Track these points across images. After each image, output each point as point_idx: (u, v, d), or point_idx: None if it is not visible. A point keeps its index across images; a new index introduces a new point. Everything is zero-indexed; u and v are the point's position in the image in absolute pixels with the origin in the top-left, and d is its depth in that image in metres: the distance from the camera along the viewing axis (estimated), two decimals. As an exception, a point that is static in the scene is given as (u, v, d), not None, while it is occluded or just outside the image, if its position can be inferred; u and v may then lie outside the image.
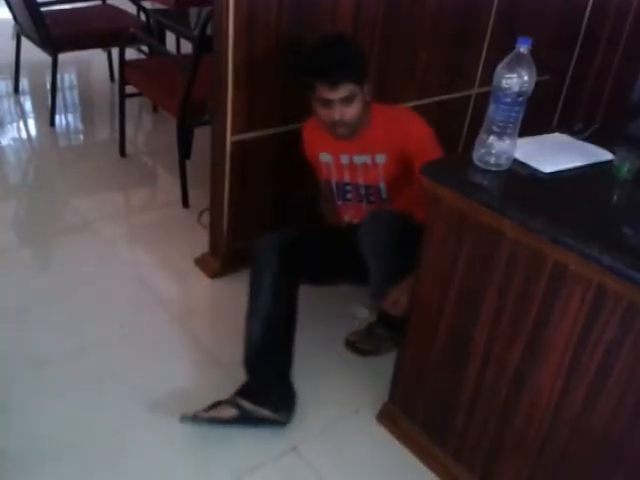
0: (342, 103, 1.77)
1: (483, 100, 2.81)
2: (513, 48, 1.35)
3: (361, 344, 2.06)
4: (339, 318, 2.19)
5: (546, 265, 1.27)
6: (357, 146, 1.94)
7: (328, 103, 1.78)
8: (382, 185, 1.98)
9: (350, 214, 2.07)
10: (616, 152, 1.48)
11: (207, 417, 1.67)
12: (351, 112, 1.80)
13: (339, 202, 2.08)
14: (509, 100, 1.35)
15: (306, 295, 1.89)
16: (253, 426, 1.71)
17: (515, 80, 1.33)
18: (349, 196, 2.04)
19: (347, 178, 2.02)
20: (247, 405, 1.68)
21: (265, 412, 1.69)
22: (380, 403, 1.82)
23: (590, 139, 1.62)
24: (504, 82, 1.34)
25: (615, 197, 1.40)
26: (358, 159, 1.97)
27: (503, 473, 1.51)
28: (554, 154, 1.50)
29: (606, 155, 1.52)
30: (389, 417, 1.79)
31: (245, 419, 1.68)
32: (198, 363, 1.98)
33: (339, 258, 2.00)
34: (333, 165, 2.02)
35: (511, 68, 1.33)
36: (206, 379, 1.92)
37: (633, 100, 1.42)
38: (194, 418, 1.66)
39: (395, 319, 2.03)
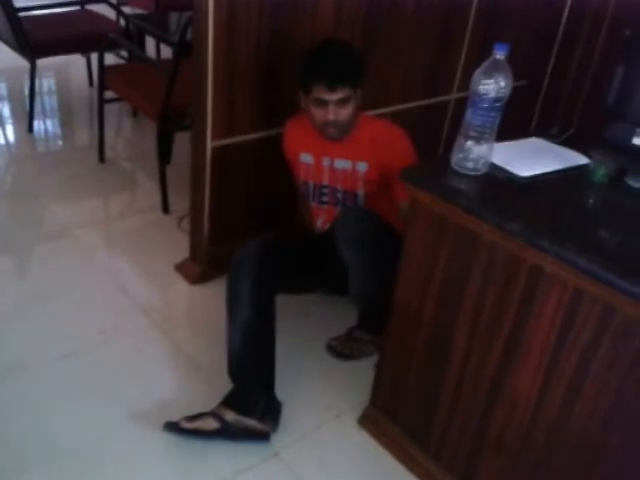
0: (337, 105, 1.81)
1: (462, 105, 2.84)
2: (491, 53, 1.37)
3: (342, 348, 2.07)
4: (319, 323, 2.19)
5: (523, 268, 1.29)
6: (341, 150, 1.96)
7: (323, 104, 1.82)
8: (360, 192, 2.00)
9: (323, 217, 2.09)
10: (591, 156, 1.50)
11: (190, 428, 1.66)
12: (345, 114, 1.84)
13: (313, 204, 2.09)
14: (486, 105, 1.37)
15: (285, 301, 1.89)
16: (236, 439, 1.70)
17: (492, 86, 1.35)
18: (325, 199, 2.06)
19: (326, 181, 2.03)
20: (231, 416, 1.68)
21: (251, 422, 1.69)
22: (362, 407, 1.83)
23: (566, 143, 1.65)
24: (481, 87, 1.36)
25: (591, 200, 1.42)
26: (339, 163, 1.99)
27: (483, 475, 1.52)
28: (531, 158, 1.52)
29: (582, 159, 1.54)
30: (371, 421, 1.79)
31: (228, 432, 1.67)
32: (180, 370, 1.97)
33: (317, 266, 2.02)
34: (313, 166, 2.03)
35: (488, 74, 1.35)
36: (188, 386, 1.91)
37: (608, 104, 1.44)
38: (177, 428, 1.66)
39: (374, 323, 2.06)
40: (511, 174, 1.45)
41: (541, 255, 1.23)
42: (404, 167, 1.89)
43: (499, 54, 1.35)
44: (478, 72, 1.37)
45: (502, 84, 1.35)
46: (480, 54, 2.74)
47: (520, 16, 2.82)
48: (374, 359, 1.89)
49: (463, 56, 2.72)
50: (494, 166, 1.45)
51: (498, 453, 1.46)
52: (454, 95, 2.81)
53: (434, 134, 2.87)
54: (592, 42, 2.92)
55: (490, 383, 1.43)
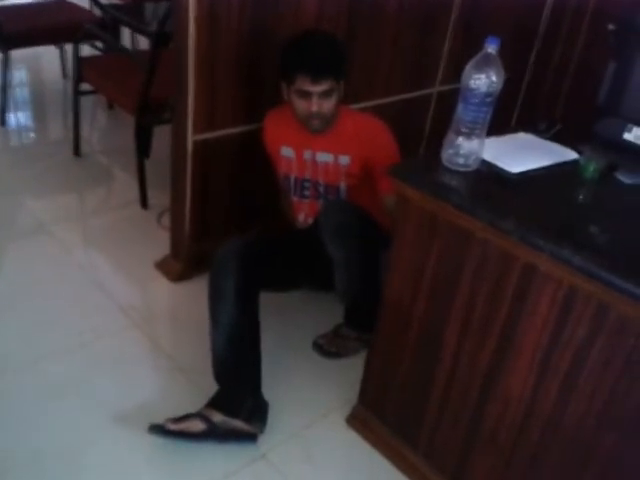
0: (321, 96, 1.79)
1: (445, 98, 2.84)
2: (473, 46, 1.35)
3: (329, 346, 2.04)
4: (305, 320, 2.16)
5: (516, 265, 1.28)
6: (322, 143, 1.93)
7: (307, 95, 1.79)
8: (342, 186, 1.98)
9: (305, 211, 2.06)
10: (582, 151, 1.49)
11: (176, 430, 1.62)
12: (328, 106, 1.82)
13: (295, 198, 2.07)
14: (477, 100, 1.35)
15: (270, 298, 1.85)
16: (223, 441, 1.66)
17: (483, 80, 1.33)
18: (307, 193, 2.03)
19: (307, 175, 2.00)
20: (218, 418, 1.64)
21: (238, 423, 1.65)
22: (350, 405, 1.80)
23: (554, 138, 1.63)
24: (472, 82, 1.34)
25: (582, 197, 1.41)
26: (321, 157, 1.96)
27: (474, 473, 1.51)
28: (521, 154, 1.51)
29: (571, 154, 1.53)
30: (359, 419, 1.77)
31: (215, 433, 1.64)
32: (162, 370, 1.93)
33: (302, 262, 1.99)
34: (294, 160, 2.00)
35: (479, 68, 1.33)
36: (171, 387, 1.87)
37: (599, 99, 1.43)
38: (163, 430, 1.62)
39: (361, 319, 2.04)
40: (502, 170, 1.43)
41: (535, 253, 1.22)
42: (386, 160, 1.90)
43: (490, 48, 1.32)
44: (469, 66, 1.35)
45: (493, 78, 1.33)
46: (463, 47, 2.75)
47: (502, 9, 2.80)
48: (363, 356, 1.87)
49: (446, 49, 2.70)
50: (484, 162, 1.43)
51: (490, 451, 1.45)
52: (437, 88, 2.79)
53: (417, 128, 2.85)
54: (574, 35, 2.92)
55: (482, 380, 1.41)
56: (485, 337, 1.37)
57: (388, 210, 1.95)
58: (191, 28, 1.88)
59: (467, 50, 2.73)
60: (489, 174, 1.42)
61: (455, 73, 2.77)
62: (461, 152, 1.40)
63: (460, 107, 1.37)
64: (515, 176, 1.42)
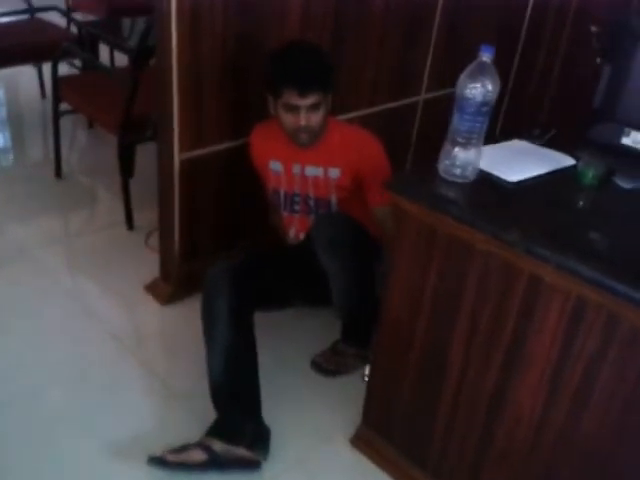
0: (309, 110, 1.75)
1: (431, 106, 2.82)
2: (457, 53, 1.32)
3: (327, 364, 2.00)
4: (301, 338, 2.11)
5: (521, 278, 1.24)
6: (311, 157, 1.90)
7: (295, 109, 1.76)
8: (333, 199, 1.94)
9: (296, 226, 2.02)
10: (579, 157, 1.47)
11: (176, 461, 1.57)
12: (316, 119, 1.78)
13: (285, 213, 2.03)
14: (473, 110, 1.32)
15: (264, 316, 1.80)
16: (226, 470, 1.60)
17: (478, 89, 1.30)
18: (297, 207, 1.99)
19: (297, 189, 1.96)
20: (219, 446, 1.59)
21: (240, 451, 1.60)
22: (353, 425, 1.76)
23: (549, 144, 1.61)
24: (467, 92, 1.31)
25: (585, 204, 1.38)
26: (310, 171, 1.92)
27: (486, 490, 1.47)
28: (517, 162, 1.48)
29: (568, 160, 1.51)
30: (364, 440, 1.72)
31: (217, 463, 1.58)
32: (157, 397, 1.87)
33: (296, 279, 1.95)
34: (283, 174, 1.96)
35: (474, 77, 1.30)
36: (167, 415, 1.81)
37: (595, 104, 1.41)
38: (162, 461, 1.56)
39: (358, 335, 2.00)
40: (500, 179, 1.40)
41: (540, 264, 1.19)
42: (376, 172, 1.88)
43: (485, 56, 1.30)
44: (464, 76, 1.32)
45: (489, 87, 1.30)
46: (447, 54, 2.73)
47: (484, 14, 2.79)
48: (362, 372, 1.82)
49: (430, 56, 2.68)
50: (481, 172, 1.40)
51: (502, 468, 1.41)
52: (422, 96, 2.77)
53: (404, 136, 2.83)
54: (557, 38, 2.91)
55: (490, 398, 1.38)
56: (492, 353, 1.34)
57: (379, 221, 1.91)
58: (174, 43, 1.84)
59: (451, 57, 2.74)
60: (487, 184, 1.39)
61: (440, 80, 2.78)
62: (458, 163, 1.37)
63: (456, 117, 1.34)
64: (513, 185, 1.39)
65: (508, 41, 2.97)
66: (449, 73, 2.77)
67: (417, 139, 2.85)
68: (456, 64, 2.73)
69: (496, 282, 1.28)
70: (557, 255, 1.15)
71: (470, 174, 1.37)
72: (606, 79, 1.37)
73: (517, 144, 1.61)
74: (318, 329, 2.13)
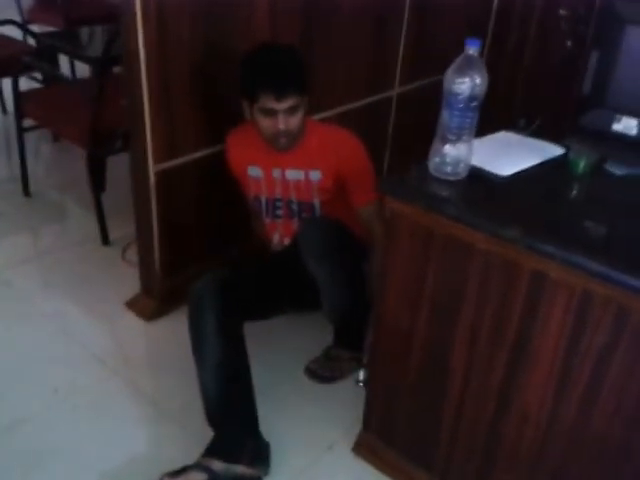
0: (286, 113, 1.71)
1: (405, 100, 2.79)
2: (428, 45, 1.28)
3: (322, 371, 1.95)
4: (293, 345, 2.06)
5: (523, 275, 1.21)
6: (291, 160, 1.85)
7: (272, 113, 1.71)
8: (316, 202, 1.89)
9: (280, 232, 1.97)
10: (568, 146, 1.44)
11: (174, 485, 1.50)
12: (294, 122, 1.74)
13: (267, 219, 1.98)
14: (462, 105, 1.28)
15: (252, 326, 1.74)
16: None
17: (467, 84, 1.26)
18: (279, 212, 1.94)
19: (278, 194, 1.91)
20: (218, 466, 1.53)
21: (241, 469, 1.54)
22: (354, 433, 1.71)
23: (534, 134, 1.58)
24: (455, 87, 1.27)
25: (580, 195, 1.36)
26: (291, 174, 1.87)
27: (496, 491, 1.44)
28: (507, 155, 1.45)
29: (557, 150, 1.48)
30: (366, 447, 1.68)
31: (217, 483, 1.53)
32: (149, 420, 1.80)
33: (283, 286, 1.90)
34: (263, 180, 1.90)
35: (461, 72, 1.26)
36: (161, 437, 1.75)
37: (584, 92, 1.38)
38: (160, 486, 1.50)
39: (351, 338, 1.96)
40: (493, 175, 1.37)
41: (543, 260, 1.16)
42: (357, 171, 1.84)
43: (471, 50, 1.25)
44: (450, 71, 1.27)
45: (477, 81, 1.26)
46: (417, 46, 2.70)
47: (452, 3, 2.77)
48: (356, 377, 1.78)
49: (401, 49, 2.64)
50: (473, 168, 1.36)
51: (510, 468, 1.39)
52: (396, 90, 2.74)
53: (380, 132, 2.79)
54: (526, 23, 2.90)
55: (496, 398, 1.35)
56: (496, 352, 1.31)
57: (365, 222, 1.88)
58: (141, 52, 1.77)
59: (422, 49, 2.71)
60: (479, 180, 1.36)
61: (412, 73, 2.75)
62: (448, 160, 1.33)
63: (444, 113, 1.30)
64: (506, 179, 1.36)
65: (477, 29, 2.96)
66: (421, 65, 2.77)
67: (394, 133, 2.82)
68: (427, 55, 2.74)
69: (498, 280, 1.25)
70: (562, 250, 1.12)
71: (462, 171, 1.34)
72: (594, 65, 1.34)
73: (504, 136, 1.58)
74: (309, 334, 2.08)
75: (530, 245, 1.16)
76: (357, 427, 1.71)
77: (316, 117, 2.19)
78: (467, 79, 1.25)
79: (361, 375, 1.76)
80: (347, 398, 1.84)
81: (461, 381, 1.40)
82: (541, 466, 1.34)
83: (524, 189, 1.35)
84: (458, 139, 1.31)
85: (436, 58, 2.87)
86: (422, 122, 2.89)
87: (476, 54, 1.26)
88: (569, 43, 2.64)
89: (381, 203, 1.87)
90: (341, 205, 1.88)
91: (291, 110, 1.71)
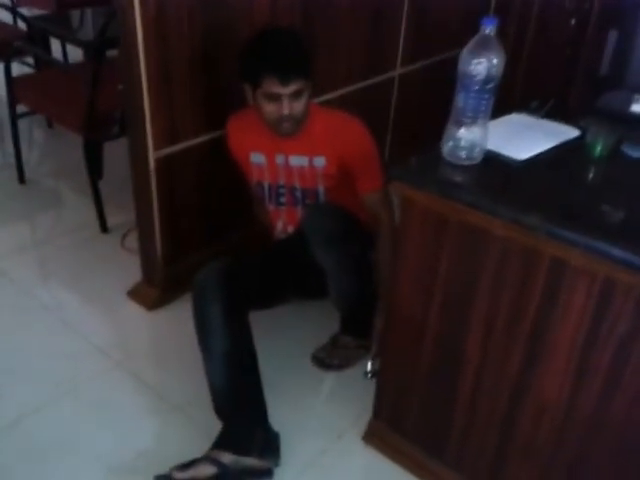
0: (291, 98, 1.66)
1: (406, 81, 2.73)
2: (430, 25, 1.23)
3: (330, 359, 1.92)
4: (298, 333, 2.03)
5: (543, 262, 1.18)
6: (294, 146, 1.80)
7: (276, 98, 1.66)
8: (320, 189, 1.85)
9: (283, 219, 1.93)
10: (583, 128, 1.41)
11: (184, 478, 1.47)
12: (299, 106, 1.69)
13: (271, 206, 1.93)
14: (477, 87, 1.23)
15: (256, 315, 1.71)
16: None
17: (483, 65, 1.21)
18: (283, 199, 1.90)
19: (282, 180, 1.86)
20: (228, 458, 1.50)
21: (250, 461, 1.52)
22: (363, 420, 1.69)
23: (548, 116, 1.54)
24: (470, 68, 1.22)
25: (598, 178, 1.32)
26: (295, 160, 1.83)
27: (512, 479, 1.42)
28: (522, 138, 1.41)
29: (572, 132, 1.44)
30: (376, 436, 1.66)
31: (227, 476, 1.50)
32: (155, 412, 1.76)
33: (288, 274, 1.87)
34: (266, 166, 1.86)
35: (477, 52, 1.21)
36: (168, 429, 1.71)
37: (602, 71, 1.34)
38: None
39: (358, 325, 1.93)
40: (508, 159, 1.33)
41: (565, 247, 1.12)
42: (362, 157, 1.80)
43: (488, 29, 1.21)
44: (466, 51, 1.23)
45: (494, 62, 1.21)
46: (420, 25, 2.64)
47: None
48: (365, 369, 1.76)
49: (403, 29, 2.58)
50: (488, 152, 1.32)
51: (527, 458, 1.37)
52: (398, 71, 2.68)
53: (381, 115, 2.74)
54: (527, 9, 2.84)
55: (513, 386, 1.32)
56: (513, 341, 1.28)
57: (370, 209, 1.84)
58: (139, 33, 1.71)
59: (424, 29, 2.65)
60: (495, 164, 1.32)
61: (414, 54, 2.69)
62: (463, 144, 1.29)
63: (459, 96, 1.25)
64: (522, 163, 1.32)
65: (479, 9, 2.90)
66: (423, 45, 2.72)
67: (395, 115, 2.77)
68: (430, 35, 2.68)
69: (515, 268, 1.22)
70: (584, 237, 1.09)
71: (477, 155, 1.30)
72: (612, 45, 1.30)
73: (516, 118, 1.54)
74: (315, 322, 2.05)
75: (551, 232, 1.12)
76: (366, 415, 1.68)
77: (317, 100, 2.14)
78: (483, 60, 1.21)
79: (369, 366, 1.74)
80: (355, 386, 1.81)
81: (475, 370, 1.37)
82: (557, 457, 1.32)
83: (541, 173, 1.31)
84: (473, 122, 1.27)
85: (439, 37, 2.83)
86: (425, 103, 2.88)
87: (493, 33, 1.21)
88: (573, 21, 2.59)
89: (387, 190, 1.85)
90: (345, 191, 1.84)
91: (296, 94, 1.67)
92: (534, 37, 2.84)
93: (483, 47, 1.21)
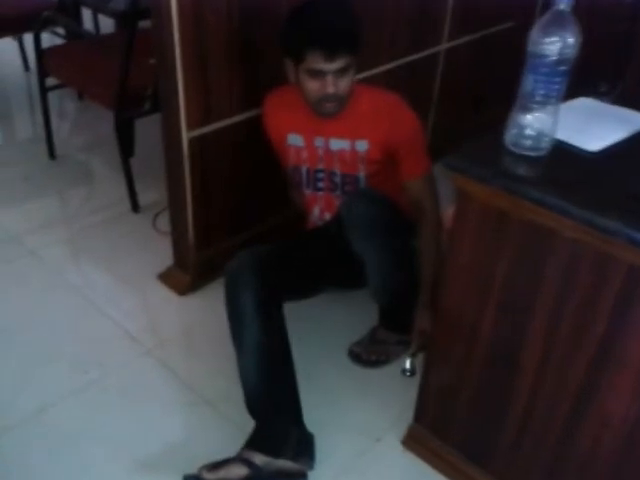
0: (336, 75, 1.54)
1: (452, 56, 2.58)
2: None
3: (368, 355, 1.83)
4: (335, 325, 1.93)
5: (619, 270, 1.05)
6: (336, 128, 1.68)
7: (320, 75, 1.54)
8: (361, 175, 1.73)
9: (320, 205, 1.82)
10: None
11: (214, 479, 1.40)
12: (344, 85, 1.57)
13: (308, 191, 1.82)
14: (547, 70, 1.10)
15: (290, 306, 1.62)
16: None
17: (555, 45, 1.07)
18: (321, 185, 1.79)
19: (321, 165, 1.75)
20: (261, 460, 1.43)
21: (284, 463, 1.44)
22: (403, 423, 1.60)
23: (618, 101, 1.39)
24: (541, 48, 1.08)
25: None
26: (335, 144, 1.71)
27: (564, 499, 1.32)
28: (593, 126, 1.27)
29: (649, 120, 1.30)
30: (417, 440, 1.57)
31: (259, 478, 1.43)
32: (187, 404, 1.69)
33: (323, 264, 1.77)
34: (304, 149, 1.74)
35: (549, 31, 1.07)
36: (200, 424, 1.64)
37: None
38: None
39: (398, 319, 1.83)
40: (579, 150, 1.19)
41: (647, 255, 0.99)
42: (409, 140, 1.66)
43: (562, 4, 1.07)
44: (536, 29, 1.09)
45: (569, 41, 1.07)
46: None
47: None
48: (403, 362, 1.66)
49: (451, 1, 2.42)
50: (555, 142, 1.19)
51: (585, 472, 1.26)
52: (444, 45, 2.52)
53: (425, 93, 2.59)
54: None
55: (574, 399, 1.20)
56: (577, 351, 1.16)
57: (413, 196, 1.71)
58: (173, 5, 1.60)
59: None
60: (564, 156, 1.19)
61: (462, 27, 2.53)
62: (529, 133, 1.16)
63: (527, 79, 1.12)
64: (597, 156, 1.18)
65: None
66: (471, 18, 2.55)
67: (440, 93, 2.62)
68: (477, 7, 2.51)
69: (585, 273, 1.09)
70: (672, 245, 0.96)
71: (545, 145, 1.17)
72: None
73: (584, 103, 1.39)
74: (352, 314, 1.95)
75: (631, 237, 0.99)
76: (405, 417, 1.59)
77: (358, 77, 2.01)
78: (557, 39, 1.07)
79: (407, 364, 1.64)
80: (393, 384, 1.72)
81: (532, 380, 1.26)
82: (618, 477, 1.21)
83: (617, 167, 1.17)
84: (542, 109, 1.13)
85: (488, 10, 2.66)
86: (472, 80, 2.71)
87: (568, 9, 1.07)
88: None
89: (431, 176, 1.73)
90: (386, 178, 1.72)
91: (341, 71, 1.54)
92: (587, 11, 2.64)
93: (556, 25, 1.07)
